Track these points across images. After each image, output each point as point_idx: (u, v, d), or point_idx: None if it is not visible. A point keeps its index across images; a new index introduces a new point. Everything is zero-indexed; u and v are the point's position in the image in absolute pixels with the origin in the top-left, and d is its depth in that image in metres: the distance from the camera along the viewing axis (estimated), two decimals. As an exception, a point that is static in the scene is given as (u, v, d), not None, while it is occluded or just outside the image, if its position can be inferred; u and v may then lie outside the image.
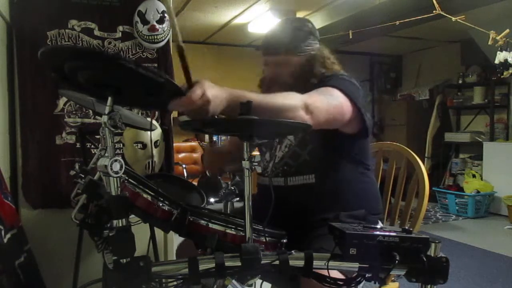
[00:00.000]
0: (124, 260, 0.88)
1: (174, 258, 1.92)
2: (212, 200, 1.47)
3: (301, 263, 0.96)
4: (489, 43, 3.23)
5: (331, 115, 1.22)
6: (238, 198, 1.62)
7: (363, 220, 1.33)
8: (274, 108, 1.11)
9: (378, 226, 1.03)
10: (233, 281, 1.01)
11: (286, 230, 1.16)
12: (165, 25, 1.93)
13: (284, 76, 1.42)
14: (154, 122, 1.73)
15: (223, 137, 5.43)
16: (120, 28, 1.93)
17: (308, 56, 1.41)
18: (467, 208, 4.83)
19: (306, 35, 1.42)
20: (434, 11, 3.18)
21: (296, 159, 1.40)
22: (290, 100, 1.15)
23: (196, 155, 4.94)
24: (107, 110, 0.92)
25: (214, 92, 1.05)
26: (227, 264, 0.92)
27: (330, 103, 1.22)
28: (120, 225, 0.89)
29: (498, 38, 3.18)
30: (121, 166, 0.89)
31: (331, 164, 1.34)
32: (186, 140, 5.29)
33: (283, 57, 1.41)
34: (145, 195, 1.00)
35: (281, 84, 1.40)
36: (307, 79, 1.39)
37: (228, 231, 1.03)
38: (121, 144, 1.86)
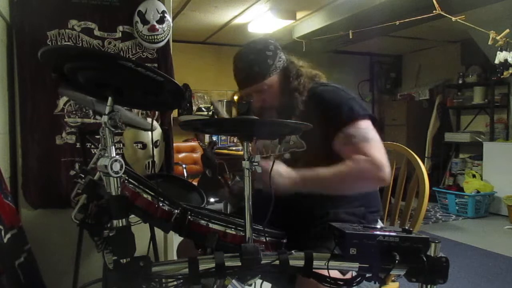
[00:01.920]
0: (124, 260, 0.88)
1: (174, 257, 1.92)
2: (212, 200, 1.47)
3: (301, 263, 0.96)
4: (489, 43, 3.24)
5: (384, 151, 1.31)
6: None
7: (362, 218, 1.34)
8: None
9: (378, 226, 1.03)
10: (233, 281, 1.01)
11: (286, 227, 1.16)
12: (165, 25, 1.93)
13: (269, 100, 1.43)
14: (154, 122, 1.73)
15: (223, 137, 5.44)
16: (120, 28, 1.93)
17: (282, 71, 1.42)
18: (467, 208, 4.83)
19: (273, 52, 1.41)
20: (434, 11, 3.18)
21: (295, 155, 1.41)
22: (356, 167, 1.25)
23: (196, 155, 4.94)
24: (107, 110, 0.92)
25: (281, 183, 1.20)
26: (227, 264, 0.92)
27: (381, 148, 1.30)
28: (120, 225, 0.89)
29: (498, 38, 3.18)
30: (121, 166, 0.89)
31: (330, 161, 1.34)
32: (186, 140, 5.29)
33: (260, 84, 1.41)
34: (145, 195, 1.00)
35: (271, 108, 1.43)
36: (291, 93, 1.41)
37: (228, 231, 1.03)
38: (121, 144, 1.86)
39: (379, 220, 1.44)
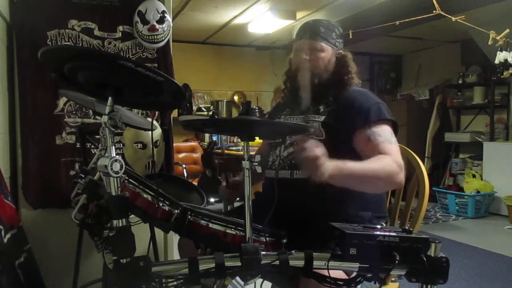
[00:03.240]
0: (124, 260, 0.88)
1: (174, 257, 1.92)
2: (212, 200, 1.47)
3: (301, 263, 0.96)
4: (489, 43, 3.23)
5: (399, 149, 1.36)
6: (238, 198, 1.62)
7: (368, 222, 1.33)
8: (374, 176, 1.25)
9: (378, 226, 1.03)
10: (233, 281, 1.01)
11: (290, 225, 1.16)
12: (165, 25, 1.93)
13: (320, 62, 1.49)
14: (154, 122, 1.73)
15: (223, 137, 5.44)
16: (120, 28, 1.93)
17: (339, 53, 1.53)
18: (467, 208, 4.82)
19: (339, 34, 1.56)
20: (434, 11, 3.18)
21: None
22: (386, 166, 1.26)
23: (196, 155, 4.94)
24: (107, 110, 0.92)
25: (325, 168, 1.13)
26: (227, 264, 0.92)
27: (399, 153, 1.34)
28: (120, 225, 0.89)
29: (498, 38, 3.18)
30: (121, 166, 0.89)
31: (345, 155, 1.34)
32: (186, 140, 5.29)
33: (323, 44, 1.50)
34: (145, 195, 1.00)
35: (312, 71, 1.46)
36: (335, 74, 1.49)
37: (228, 231, 1.03)
38: (121, 144, 1.86)
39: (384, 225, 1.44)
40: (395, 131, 1.41)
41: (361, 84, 1.57)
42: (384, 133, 1.35)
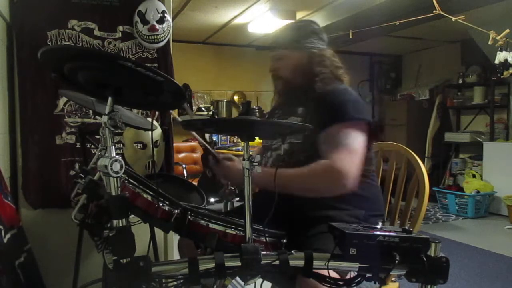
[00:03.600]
0: (124, 260, 0.88)
1: (174, 257, 1.92)
2: (212, 200, 1.47)
3: (301, 263, 0.96)
4: (489, 43, 3.23)
5: (359, 159, 1.28)
6: (238, 198, 1.62)
7: (364, 221, 1.33)
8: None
9: (378, 226, 1.03)
10: (233, 281, 1.01)
11: (285, 227, 1.16)
12: (165, 25, 1.93)
13: (283, 70, 1.49)
14: (154, 122, 1.73)
15: (223, 137, 5.44)
16: (120, 28, 1.93)
17: (308, 53, 1.46)
18: (467, 208, 4.82)
19: (307, 33, 1.49)
20: (434, 11, 3.17)
21: (292, 146, 1.42)
22: (316, 172, 1.24)
23: (196, 155, 4.94)
24: (107, 110, 0.92)
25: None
26: (227, 264, 0.92)
27: (352, 156, 1.27)
28: (120, 225, 0.89)
29: (498, 38, 3.18)
30: (121, 166, 0.89)
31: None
32: (186, 140, 5.29)
33: (282, 52, 1.49)
34: (145, 195, 1.00)
35: (281, 79, 1.50)
36: (305, 77, 1.45)
37: (228, 231, 1.03)
38: (121, 144, 1.86)
39: (379, 223, 1.43)
40: (373, 129, 1.37)
41: (346, 79, 1.52)
42: (339, 135, 1.30)
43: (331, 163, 1.24)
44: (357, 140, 1.30)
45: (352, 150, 1.27)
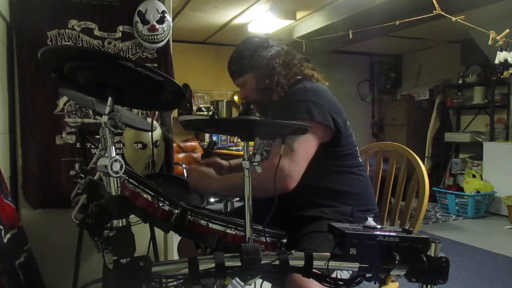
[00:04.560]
0: (124, 260, 0.88)
1: (174, 257, 1.92)
2: (212, 200, 1.47)
3: (301, 263, 0.96)
4: (489, 43, 3.23)
5: (301, 163, 1.31)
6: (238, 198, 1.62)
7: (350, 216, 1.35)
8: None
9: (378, 226, 1.04)
10: (233, 281, 1.01)
11: (278, 226, 1.16)
12: (165, 25, 1.92)
13: (250, 94, 1.54)
14: (154, 122, 1.73)
15: (223, 137, 5.44)
16: (120, 28, 1.93)
17: (260, 69, 1.50)
18: (467, 208, 4.83)
19: (252, 51, 1.51)
20: (434, 11, 3.18)
21: (268, 154, 1.44)
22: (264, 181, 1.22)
23: (196, 155, 4.94)
24: (107, 110, 0.92)
25: (192, 182, 1.43)
26: (227, 264, 0.92)
27: (294, 154, 1.30)
28: (120, 225, 0.89)
29: (498, 38, 3.18)
30: (121, 166, 0.89)
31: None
32: (186, 140, 5.29)
33: (241, 79, 1.54)
34: (145, 195, 1.00)
35: (254, 102, 1.54)
36: (265, 91, 1.49)
37: (228, 231, 1.03)
38: (121, 144, 1.86)
39: (369, 218, 1.43)
40: (321, 129, 1.35)
41: (310, 71, 1.52)
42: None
43: (269, 163, 1.27)
44: (298, 140, 1.31)
45: (291, 150, 1.30)
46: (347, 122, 1.45)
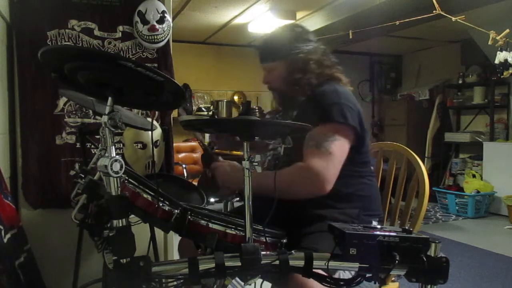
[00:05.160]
0: (124, 260, 0.88)
1: (174, 257, 1.92)
2: (212, 200, 1.47)
3: (301, 263, 0.96)
4: (489, 43, 3.23)
5: (336, 167, 1.29)
6: (238, 198, 1.62)
7: (355, 219, 1.34)
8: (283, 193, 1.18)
9: (378, 226, 1.04)
10: (233, 281, 1.01)
11: (279, 227, 1.17)
12: (165, 25, 1.92)
13: (274, 82, 1.51)
14: (154, 122, 1.73)
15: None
16: (120, 28, 1.93)
17: (293, 61, 1.45)
18: (467, 208, 4.82)
19: (291, 40, 1.46)
20: (434, 11, 3.17)
21: (286, 151, 1.42)
22: (290, 174, 1.24)
23: (196, 155, 4.94)
24: (107, 110, 0.92)
25: (223, 180, 1.36)
26: (227, 264, 0.92)
27: (330, 157, 1.27)
28: (120, 225, 0.89)
29: (498, 38, 3.18)
30: (121, 166, 0.89)
31: None
32: (186, 140, 5.29)
33: (270, 64, 1.49)
34: (145, 195, 1.00)
35: (275, 90, 1.52)
36: (295, 84, 1.45)
37: (228, 231, 1.03)
38: (121, 144, 1.86)
39: (374, 222, 1.43)
40: (356, 134, 1.35)
41: (341, 78, 1.50)
42: (319, 138, 1.29)
43: (306, 165, 1.26)
44: (335, 143, 1.29)
45: (329, 152, 1.27)
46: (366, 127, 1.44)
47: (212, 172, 1.38)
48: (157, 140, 1.84)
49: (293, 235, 1.24)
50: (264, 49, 1.51)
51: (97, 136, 1.65)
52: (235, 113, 6.10)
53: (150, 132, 1.70)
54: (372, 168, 1.51)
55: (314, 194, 1.27)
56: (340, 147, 1.30)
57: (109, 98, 0.93)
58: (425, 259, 0.93)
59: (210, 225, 1.03)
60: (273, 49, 1.48)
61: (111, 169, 0.87)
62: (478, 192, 4.82)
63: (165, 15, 1.92)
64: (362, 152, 1.42)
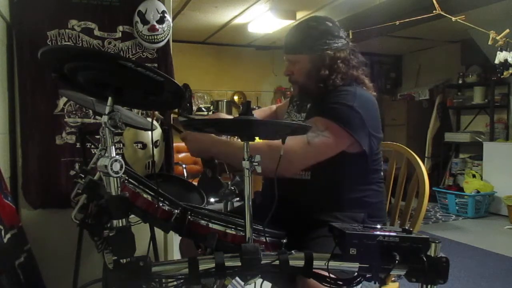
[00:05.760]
0: (124, 260, 0.88)
1: (174, 257, 1.92)
2: (212, 200, 1.47)
3: (301, 263, 0.96)
4: (489, 43, 3.23)
5: (310, 159, 1.28)
6: (238, 198, 1.62)
7: (360, 223, 1.33)
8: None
9: (378, 226, 1.03)
10: (233, 281, 1.01)
11: (284, 230, 1.16)
12: (165, 25, 1.92)
13: (296, 75, 1.46)
14: (154, 122, 1.73)
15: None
16: (120, 28, 1.93)
17: (321, 57, 1.40)
18: (467, 208, 4.82)
19: (321, 34, 1.41)
20: (434, 11, 3.17)
21: None
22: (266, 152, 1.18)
23: (196, 155, 4.93)
24: (107, 110, 0.92)
25: (193, 147, 1.38)
26: (227, 264, 0.92)
27: (308, 147, 1.25)
28: (120, 225, 0.89)
29: (498, 38, 3.17)
30: (121, 166, 0.89)
31: (327, 164, 1.33)
32: (186, 140, 5.28)
33: (295, 57, 1.44)
34: (145, 195, 1.00)
35: (296, 83, 1.48)
36: (318, 81, 1.41)
37: (228, 231, 1.03)
38: (121, 144, 1.86)
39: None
40: (350, 141, 1.30)
41: (364, 80, 1.46)
42: (322, 129, 1.27)
43: (277, 143, 1.16)
44: (320, 138, 1.26)
45: (307, 142, 1.25)
46: (381, 135, 1.40)
47: (183, 141, 1.37)
48: (157, 140, 1.84)
49: (299, 241, 1.23)
50: (290, 39, 1.44)
51: (97, 136, 1.65)
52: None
53: (150, 132, 1.70)
54: (382, 174, 1.48)
55: (273, 172, 1.10)
56: (324, 143, 1.27)
57: (109, 98, 0.93)
58: (425, 259, 0.93)
59: (210, 225, 1.03)
60: (301, 42, 1.41)
61: (111, 169, 0.87)
62: (478, 192, 4.82)
63: (165, 15, 1.92)
64: (373, 160, 1.40)
